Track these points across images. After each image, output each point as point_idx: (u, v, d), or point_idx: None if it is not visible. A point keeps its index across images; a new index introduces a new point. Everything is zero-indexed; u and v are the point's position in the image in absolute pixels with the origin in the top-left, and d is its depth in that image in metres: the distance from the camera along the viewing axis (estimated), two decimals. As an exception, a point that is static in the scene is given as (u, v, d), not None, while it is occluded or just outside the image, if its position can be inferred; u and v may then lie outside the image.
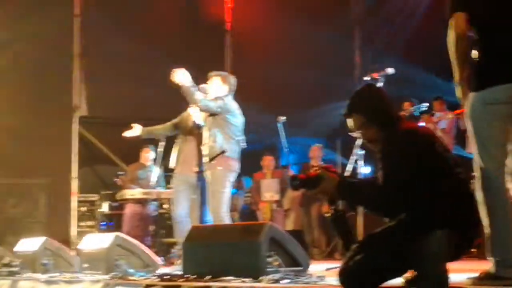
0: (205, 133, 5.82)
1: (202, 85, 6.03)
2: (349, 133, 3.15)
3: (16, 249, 6.20)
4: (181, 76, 5.68)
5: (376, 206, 2.96)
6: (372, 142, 3.10)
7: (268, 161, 9.24)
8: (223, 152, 5.67)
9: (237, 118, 5.87)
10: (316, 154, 9.14)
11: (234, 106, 5.89)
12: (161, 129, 6.48)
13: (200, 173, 5.88)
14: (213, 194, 5.68)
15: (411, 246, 2.74)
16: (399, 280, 2.95)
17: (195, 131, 6.05)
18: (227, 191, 5.73)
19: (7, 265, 5.71)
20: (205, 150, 5.77)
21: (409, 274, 2.89)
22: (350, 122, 3.11)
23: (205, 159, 5.76)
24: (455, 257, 2.80)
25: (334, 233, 8.34)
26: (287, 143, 8.03)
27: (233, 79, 6.05)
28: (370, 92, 3.18)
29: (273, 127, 9.75)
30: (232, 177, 5.81)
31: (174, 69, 5.72)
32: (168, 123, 6.42)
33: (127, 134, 6.34)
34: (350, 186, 3.02)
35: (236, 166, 5.83)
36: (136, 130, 6.28)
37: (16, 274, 5.58)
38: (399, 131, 2.99)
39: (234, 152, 5.79)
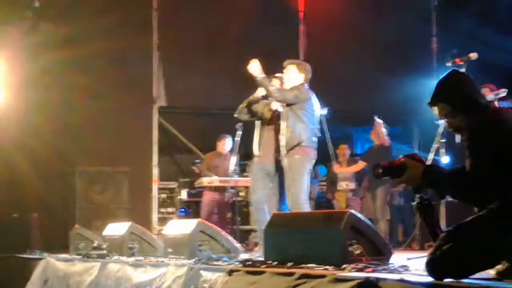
0: (283, 123, 5.82)
1: (278, 74, 6.03)
2: (436, 122, 3.09)
3: (104, 233, 6.41)
4: (254, 67, 5.69)
5: (465, 194, 2.87)
6: (458, 131, 3.01)
7: (343, 150, 9.16)
8: (299, 143, 5.67)
9: (313, 107, 5.84)
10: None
11: (310, 94, 5.86)
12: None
13: (278, 162, 5.90)
14: (292, 183, 5.68)
15: (503, 237, 2.64)
16: (491, 272, 2.87)
17: (275, 120, 6.06)
18: (306, 179, 5.72)
19: (97, 248, 5.92)
20: (282, 140, 5.77)
21: (501, 266, 2.81)
22: (435, 110, 3.03)
23: (283, 149, 5.76)
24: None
25: (412, 223, 8.23)
26: (363, 132, 7.95)
27: (308, 67, 6.00)
28: (455, 79, 3.08)
29: (346, 116, 9.68)
30: (309, 165, 5.79)
31: (250, 60, 5.74)
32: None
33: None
34: (437, 173, 2.94)
35: (313, 154, 5.81)
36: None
37: (105, 256, 5.77)
38: (487, 118, 2.88)
39: (310, 140, 5.77)
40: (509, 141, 2.78)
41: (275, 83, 5.98)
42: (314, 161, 5.87)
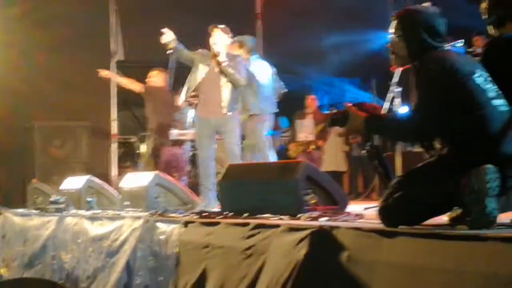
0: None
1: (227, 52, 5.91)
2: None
3: (62, 187, 6.22)
4: (166, 37, 5.68)
5: (408, 137, 2.80)
6: (394, 55, 2.88)
7: (311, 101, 8.95)
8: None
9: (263, 78, 5.88)
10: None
11: (258, 68, 5.86)
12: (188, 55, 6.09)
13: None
14: (229, 146, 5.75)
15: (452, 183, 2.55)
16: (443, 218, 2.79)
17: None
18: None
19: (54, 202, 5.73)
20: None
21: (454, 212, 2.73)
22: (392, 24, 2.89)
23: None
24: (501, 193, 2.59)
25: (371, 174, 8.21)
26: (323, 84, 7.86)
27: (251, 41, 6.19)
28: (422, 11, 2.88)
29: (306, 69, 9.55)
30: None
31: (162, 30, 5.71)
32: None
33: (162, 40, 5.88)
34: (379, 120, 2.84)
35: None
36: (169, 36, 5.77)
37: (63, 210, 5.60)
38: (432, 58, 2.72)
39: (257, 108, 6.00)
40: (451, 84, 2.65)
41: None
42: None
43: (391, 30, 2.91)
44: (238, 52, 6.13)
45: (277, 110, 6.59)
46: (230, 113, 5.76)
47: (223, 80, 5.76)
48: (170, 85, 7.41)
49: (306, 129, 8.76)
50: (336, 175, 8.75)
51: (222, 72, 5.74)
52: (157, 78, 7.57)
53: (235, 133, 5.81)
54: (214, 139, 5.91)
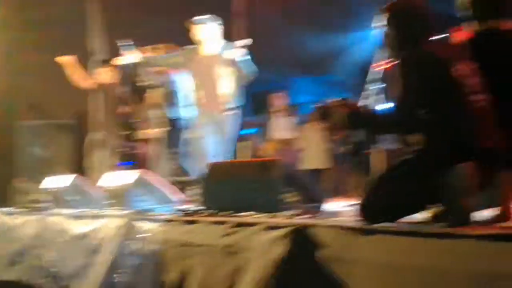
0: None
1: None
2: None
3: (44, 186, 6.14)
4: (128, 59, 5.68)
5: (393, 130, 2.77)
6: (388, 47, 2.85)
7: (278, 99, 8.93)
8: None
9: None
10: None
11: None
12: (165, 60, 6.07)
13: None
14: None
15: (430, 179, 2.52)
16: (424, 215, 2.77)
17: None
18: None
19: (37, 201, 5.65)
20: None
21: (436, 209, 2.70)
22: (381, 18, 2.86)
23: None
24: (479, 190, 2.56)
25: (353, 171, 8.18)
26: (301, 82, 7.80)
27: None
28: (409, 3, 2.85)
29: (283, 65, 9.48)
30: None
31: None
32: None
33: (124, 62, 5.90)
34: (361, 115, 2.80)
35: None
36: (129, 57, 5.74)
37: (45, 209, 5.53)
38: (418, 52, 2.70)
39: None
40: (432, 78, 2.62)
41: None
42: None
43: (380, 23, 2.87)
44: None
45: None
46: (229, 108, 5.54)
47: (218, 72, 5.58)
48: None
49: (280, 127, 8.73)
50: (318, 173, 8.74)
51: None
52: (106, 75, 7.41)
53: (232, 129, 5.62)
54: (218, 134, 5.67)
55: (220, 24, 5.77)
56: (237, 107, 5.81)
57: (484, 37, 2.93)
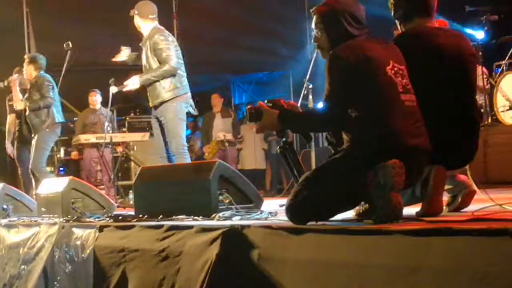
0: None
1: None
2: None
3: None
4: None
5: (319, 129, 2.78)
6: (320, 49, 2.83)
7: (217, 100, 8.90)
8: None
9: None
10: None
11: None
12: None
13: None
14: None
15: (355, 178, 2.54)
16: (350, 213, 2.82)
17: None
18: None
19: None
20: None
21: (360, 207, 2.76)
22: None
23: None
24: (406, 187, 2.62)
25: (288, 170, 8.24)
26: (240, 82, 7.81)
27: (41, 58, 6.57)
28: (338, 1, 2.78)
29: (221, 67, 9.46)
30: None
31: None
32: None
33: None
34: (292, 116, 2.79)
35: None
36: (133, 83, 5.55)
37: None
38: (344, 46, 2.66)
39: None
40: (363, 73, 2.61)
41: None
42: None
43: (313, 25, 2.85)
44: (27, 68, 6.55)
45: None
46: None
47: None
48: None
49: (219, 128, 8.74)
50: (256, 173, 8.78)
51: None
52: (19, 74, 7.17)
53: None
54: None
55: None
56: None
57: (405, 38, 2.99)
